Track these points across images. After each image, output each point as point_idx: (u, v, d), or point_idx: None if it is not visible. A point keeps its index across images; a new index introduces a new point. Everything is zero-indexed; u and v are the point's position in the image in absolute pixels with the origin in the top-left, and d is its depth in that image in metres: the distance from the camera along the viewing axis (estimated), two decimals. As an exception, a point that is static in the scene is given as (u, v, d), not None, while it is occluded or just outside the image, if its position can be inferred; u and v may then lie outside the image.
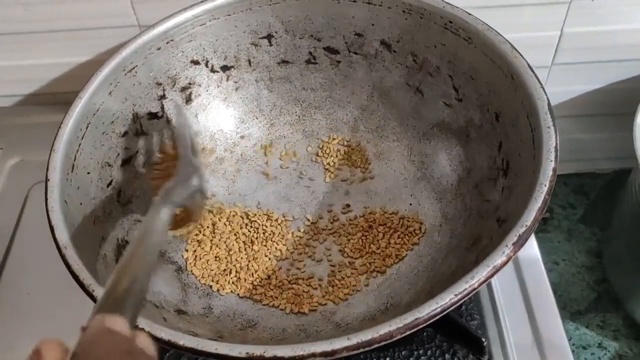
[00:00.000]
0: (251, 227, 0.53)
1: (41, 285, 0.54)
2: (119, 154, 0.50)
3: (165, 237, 0.41)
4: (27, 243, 0.57)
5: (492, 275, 0.36)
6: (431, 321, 0.34)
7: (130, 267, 0.33)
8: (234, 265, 0.51)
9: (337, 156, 0.58)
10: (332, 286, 0.49)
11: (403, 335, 0.34)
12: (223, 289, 0.49)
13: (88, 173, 0.47)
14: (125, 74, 0.51)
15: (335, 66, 0.57)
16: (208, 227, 0.53)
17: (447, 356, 0.47)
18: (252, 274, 0.50)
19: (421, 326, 0.34)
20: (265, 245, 0.52)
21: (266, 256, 0.51)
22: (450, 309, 0.35)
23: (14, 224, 0.58)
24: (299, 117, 0.59)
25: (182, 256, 0.51)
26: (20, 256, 0.56)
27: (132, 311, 0.30)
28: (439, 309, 0.34)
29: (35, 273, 0.55)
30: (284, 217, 0.54)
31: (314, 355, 0.33)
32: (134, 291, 0.31)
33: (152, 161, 0.52)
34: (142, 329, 0.34)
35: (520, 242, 0.37)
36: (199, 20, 0.53)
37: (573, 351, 0.48)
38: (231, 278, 0.50)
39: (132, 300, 0.31)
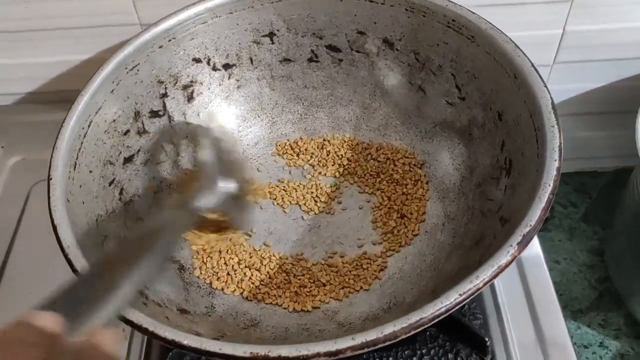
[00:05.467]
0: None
1: (43, 285, 0.53)
2: (120, 152, 0.50)
3: (175, 241, 0.41)
4: (29, 242, 0.57)
5: (496, 275, 0.36)
6: (436, 321, 0.34)
7: (112, 266, 0.33)
8: (238, 265, 0.51)
9: (340, 153, 0.57)
10: (335, 284, 0.49)
11: (407, 335, 0.34)
12: (227, 288, 0.49)
13: (90, 171, 0.46)
14: (127, 72, 0.51)
15: (337, 64, 0.57)
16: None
17: (450, 356, 0.47)
18: (255, 273, 0.50)
19: (426, 326, 0.34)
20: (267, 244, 0.52)
21: (269, 255, 0.51)
22: (455, 308, 0.35)
23: (15, 223, 0.58)
24: (300, 115, 0.59)
25: (184, 255, 0.51)
26: (22, 255, 0.56)
27: (82, 310, 0.30)
28: (443, 309, 0.34)
29: (37, 272, 0.54)
30: (286, 213, 0.54)
31: (318, 355, 0.33)
32: (101, 290, 0.31)
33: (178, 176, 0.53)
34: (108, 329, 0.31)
35: (525, 242, 0.37)
36: (200, 19, 0.53)
37: (574, 350, 0.48)
38: (234, 277, 0.50)
39: (93, 300, 0.31)
